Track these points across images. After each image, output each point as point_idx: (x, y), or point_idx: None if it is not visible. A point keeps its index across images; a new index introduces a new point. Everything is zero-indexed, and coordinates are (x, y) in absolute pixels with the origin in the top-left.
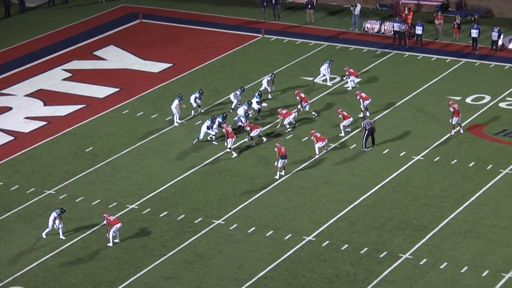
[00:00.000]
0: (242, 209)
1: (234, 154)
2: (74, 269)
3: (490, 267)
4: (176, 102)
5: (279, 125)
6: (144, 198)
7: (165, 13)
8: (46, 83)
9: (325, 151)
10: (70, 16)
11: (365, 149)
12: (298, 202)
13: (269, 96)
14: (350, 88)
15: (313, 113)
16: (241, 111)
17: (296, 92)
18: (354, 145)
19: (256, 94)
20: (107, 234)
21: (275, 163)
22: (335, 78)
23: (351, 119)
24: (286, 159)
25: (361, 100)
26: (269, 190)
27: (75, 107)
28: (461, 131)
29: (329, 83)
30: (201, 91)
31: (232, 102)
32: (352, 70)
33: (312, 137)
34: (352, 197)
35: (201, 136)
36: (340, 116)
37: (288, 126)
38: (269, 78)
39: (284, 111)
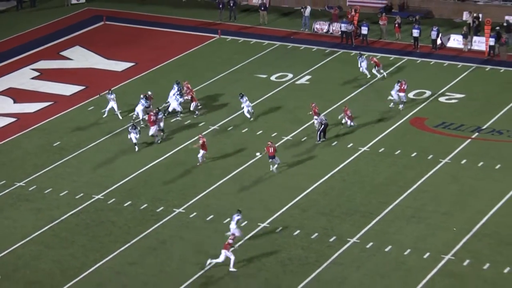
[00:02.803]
0: (201, 198)
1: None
2: (43, 256)
3: (431, 249)
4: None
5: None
6: (109, 189)
7: (127, 15)
8: (16, 82)
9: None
10: (38, 19)
11: (319, 141)
12: (253, 191)
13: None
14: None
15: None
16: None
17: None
18: (305, 137)
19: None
20: None
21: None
22: (286, 75)
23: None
24: (275, 159)
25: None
26: (226, 180)
27: (43, 104)
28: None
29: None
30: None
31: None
32: (376, 60)
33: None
34: (304, 186)
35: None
36: (311, 112)
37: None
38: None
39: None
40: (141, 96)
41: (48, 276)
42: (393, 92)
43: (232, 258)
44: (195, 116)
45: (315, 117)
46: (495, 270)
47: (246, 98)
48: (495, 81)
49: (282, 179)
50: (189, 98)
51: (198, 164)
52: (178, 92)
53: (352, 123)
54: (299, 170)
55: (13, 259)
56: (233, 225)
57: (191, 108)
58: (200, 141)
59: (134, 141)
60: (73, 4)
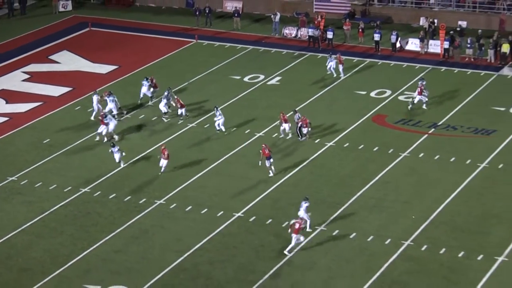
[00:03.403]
0: (180, 191)
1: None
2: (34, 245)
3: (392, 236)
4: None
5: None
6: (95, 182)
7: (111, 22)
8: (8, 84)
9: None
10: (28, 26)
11: (302, 139)
12: (229, 184)
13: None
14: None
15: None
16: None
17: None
18: (276, 134)
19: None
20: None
21: (260, 163)
22: (258, 76)
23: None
24: (272, 159)
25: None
26: (204, 174)
27: (33, 104)
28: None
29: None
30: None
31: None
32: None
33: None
34: (275, 178)
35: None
36: (279, 121)
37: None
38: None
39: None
40: (144, 81)
41: (39, 263)
42: (415, 95)
43: (293, 243)
44: (181, 119)
45: (284, 123)
46: (450, 254)
47: (220, 113)
48: (449, 81)
49: (255, 173)
50: (179, 106)
51: (160, 173)
52: (166, 96)
53: (307, 131)
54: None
55: (6, 248)
56: (301, 212)
57: (179, 113)
58: (166, 153)
59: (117, 160)
60: (61, 12)
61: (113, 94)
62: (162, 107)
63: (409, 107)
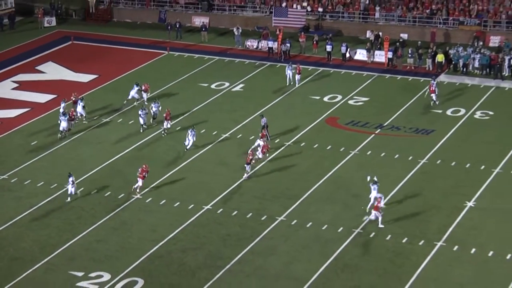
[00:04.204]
0: (155, 186)
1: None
2: (24, 236)
3: (344, 224)
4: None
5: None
6: (78, 179)
7: (91, 36)
8: None
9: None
10: (16, 39)
11: (269, 139)
12: (199, 179)
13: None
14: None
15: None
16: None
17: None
18: (240, 135)
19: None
20: None
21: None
22: (224, 83)
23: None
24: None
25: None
26: (177, 171)
27: (22, 110)
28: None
29: None
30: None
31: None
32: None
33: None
34: (240, 175)
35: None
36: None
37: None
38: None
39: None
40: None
41: (28, 253)
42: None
43: (380, 217)
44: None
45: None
46: (395, 240)
47: (194, 133)
48: (393, 87)
49: (222, 169)
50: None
51: (134, 195)
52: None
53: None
54: (237, 161)
55: None
56: (374, 193)
57: (164, 126)
58: (142, 176)
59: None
60: (46, 27)
61: (83, 99)
62: (141, 116)
63: (433, 103)
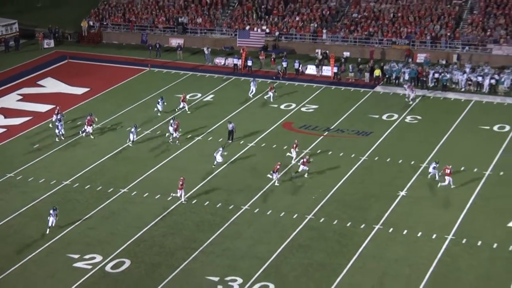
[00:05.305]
0: (139, 182)
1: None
2: (28, 225)
3: (298, 211)
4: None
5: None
6: (74, 176)
7: (84, 55)
8: (5, 103)
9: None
10: (21, 58)
11: (229, 141)
12: (177, 176)
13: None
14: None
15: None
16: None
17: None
18: (211, 137)
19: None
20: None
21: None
22: (197, 94)
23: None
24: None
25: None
26: (157, 169)
27: (25, 118)
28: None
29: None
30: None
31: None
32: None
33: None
34: (211, 170)
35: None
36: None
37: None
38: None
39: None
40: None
41: (32, 239)
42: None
43: (451, 180)
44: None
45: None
46: (341, 224)
47: (135, 129)
48: (338, 96)
49: (196, 167)
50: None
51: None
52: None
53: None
54: (207, 160)
55: (6, 228)
56: (431, 169)
57: (173, 134)
58: (181, 187)
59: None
60: (45, 48)
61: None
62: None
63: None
